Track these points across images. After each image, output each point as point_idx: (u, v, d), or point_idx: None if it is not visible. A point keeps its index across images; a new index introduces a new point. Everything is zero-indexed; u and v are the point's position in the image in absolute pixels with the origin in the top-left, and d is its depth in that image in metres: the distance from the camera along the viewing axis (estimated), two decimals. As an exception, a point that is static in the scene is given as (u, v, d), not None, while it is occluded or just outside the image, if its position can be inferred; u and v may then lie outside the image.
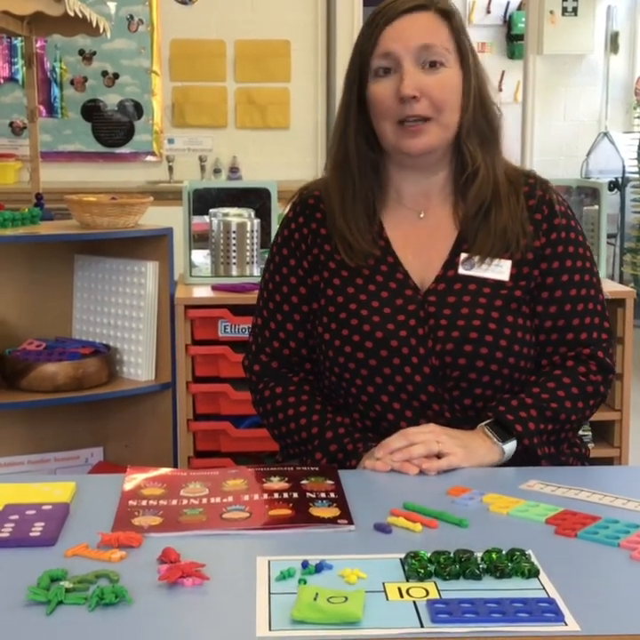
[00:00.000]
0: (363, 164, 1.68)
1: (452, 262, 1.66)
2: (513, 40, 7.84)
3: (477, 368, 1.61)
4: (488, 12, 8.02)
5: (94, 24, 3.39)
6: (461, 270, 1.65)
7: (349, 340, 1.64)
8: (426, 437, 1.52)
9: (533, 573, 1.13)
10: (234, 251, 2.97)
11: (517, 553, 1.15)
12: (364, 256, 1.66)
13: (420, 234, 1.70)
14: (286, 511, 1.32)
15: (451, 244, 1.68)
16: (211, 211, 3.11)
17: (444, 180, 1.71)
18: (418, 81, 1.60)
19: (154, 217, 3.01)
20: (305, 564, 1.14)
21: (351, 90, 1.67)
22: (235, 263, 2.98)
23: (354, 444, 1.61)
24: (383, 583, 1.11)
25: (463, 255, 1.66)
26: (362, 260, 1.66)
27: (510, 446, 1.57)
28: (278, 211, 2.98)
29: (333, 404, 1.70)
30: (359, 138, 1.67)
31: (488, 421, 1.60)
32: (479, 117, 1.67)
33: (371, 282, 1.66)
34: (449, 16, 1.64)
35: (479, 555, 1.15)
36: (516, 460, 1.58)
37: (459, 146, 1.67)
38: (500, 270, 1.65)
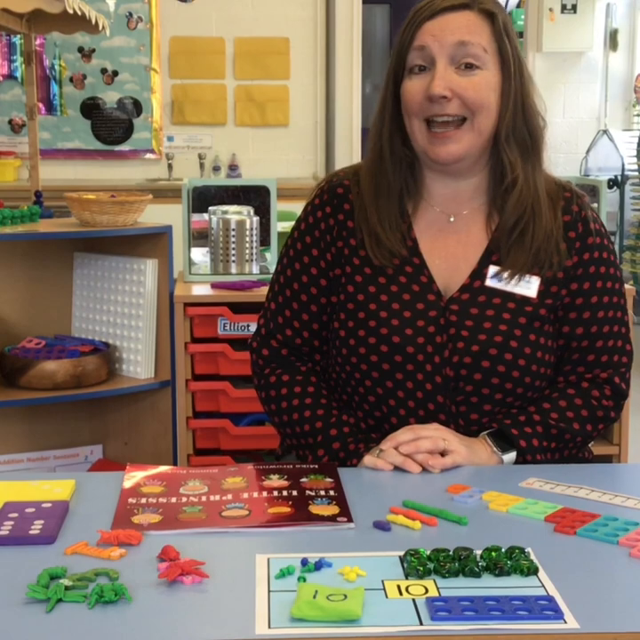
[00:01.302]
0: (397, 161, 1.64)
1: (479, 272, 1.62)
2: (512, 37, 7.83)
3: (491, 384, 1.59)
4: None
5: (93, 21, 3.39)
6: (488, 282, 1.61)
7: (365, 341, 1.61)
8: (432, 433, 1.52)
9: (532, 571, 1.13)
10: (233, 248, 2.97)
11: (517, 551, 1.16)
12: (391, 254, 1.63)
13: (448, 238, 1.66)
14: (286, 509, 1.32)
15: (480, 252, 1.64)
16: (210, 208, 3.11)
17: (476, 186, 1.66)
18: (449, 80, 1.55)
19: (153, 215, 3.01)
20: (304, 562, 1.14)
21: (388, 86, 1.63)
22: (234, 261, 2.98)
23: (356, 444, 1.60)
24: (382, 581, 1.11)
25: (493, 268, 1.62)
26: (387, 259, 1.62)
27: (509, 457, 1.57)
28: (278, 208, 2.98)
29: (338, 400, 1.69)
30: (395, 135, 1.63)
31: (490, 431, 1.60)
32: (520, 124, 1.61)
33: (394, 282, 1.62)
34: (492, 17, 1.59)
35: (478, 552, 1.15)
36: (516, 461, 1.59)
37: (497, 152, 1.62)
38: (528, 287, 1.61)
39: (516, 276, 1.61)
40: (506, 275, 1.61)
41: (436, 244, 1.65)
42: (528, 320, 1.60)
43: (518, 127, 1.61)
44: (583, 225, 1.65)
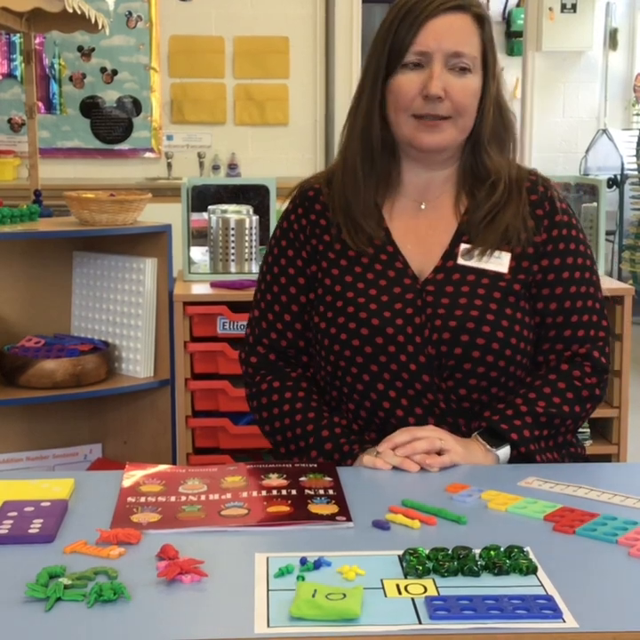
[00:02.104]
0: (383, 147, 1.68)
1: (451, 253, 1.67)
2: (512, 37, 7.82)
3: (473, 358, 1.62)
4: (487, 8, 8.01)
5: (93, 20, 3.39)
6: (460, 261, 1.66)
7: (345, 327, 1.64)
8: (429, 434, 1.54)
9: (531, 570, 1.13)
10: (232, 247, 2.97)
11: (516, 550, 1.16)
12: (368, 240, 1.67)
13: (420, 224, 1.70)
14: (285, 508, 1.32)
15: (451, 234, 1.68)
16: (209, 207, 3.11)
17: (448, 176, 1.72)
18: (445, 82, 1.61)
19: (152, 214, 3.00)
20: (303, 561, 1.14)
21: (378, 75, 1.65)
22: (233, 260, 2.98)
23: (350, 445, 1.61)
24: (381, 580, 1.11)
25: (463, 246, 1.67)
26: (365, 245, 1.67)
27: (504, 452, 1.58)
28: (277, 207, 2.97)
29: (329, 403, 1.70)
30: (382, 121, 1.67)
31: (480, 430, 1.61)
32: (498, 124, 1.68)
33: (369, 270, 1.67)
34: (482, 22, 1.65)
35: (477, 551, 1.15)
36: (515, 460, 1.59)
37: (472, 148, 1.68)
38: (500, 262, 1.65)
39: (487, 253, 1.65)
40: (477, 252, 1.66)
41: (408, 231, 1.70)
42: (502, 295, 1.64)
43: (497, 126, 1.69)
44: (550, 204, 1.70)
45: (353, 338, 1.64)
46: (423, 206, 1.71)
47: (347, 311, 1.64)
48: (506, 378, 1.65)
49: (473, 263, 1.65)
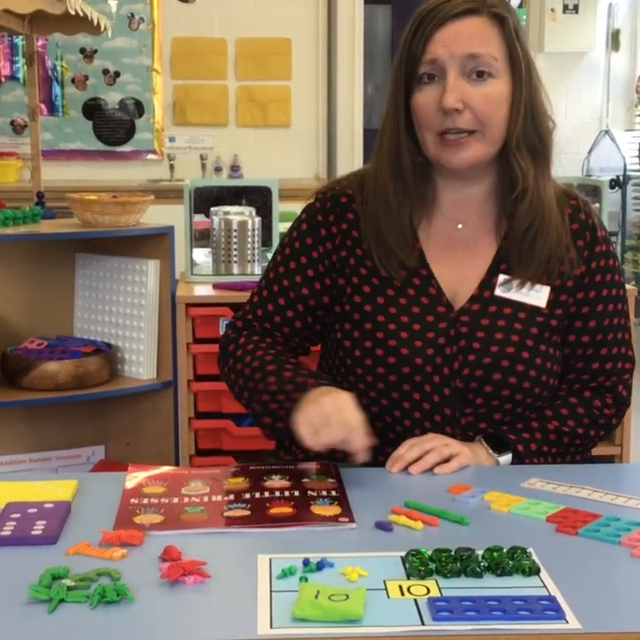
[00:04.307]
0: (415, 169, 1.61)
1: (488, 282, 1.60)
2: (514, 38, 7.82)
3: (502, 396, 1.58)
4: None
5: (95, 22, 3.38)
6: (498, 292, 1.60)
7: (372, 352, 1.59)
8: (435, 443, 1.51)
9: (534, 571, 1.13)
10: (235, 249, 2.97)
11: (518, 551, 1.16)
12: (400, 266, 1.60)
13: (456, 246, 1.63)
14: (287, 509, 1.32)
15: (489, 260, 1.62)
16: (212, 209, 3.11)
17: (486, 191, 1.63)
18: (461, 92, 1.52)
19: (155, 215, 3.00)
20: (306, 562, 1.14)
21: (398, 94, 1.58)
22: (236, 261, 2.97)
23: (306, 377, 1.54)
24: (384, 581, 1.11)
25: (502, 277, 1.60)
26: (396, 271, 1.60)
27: (505, 459, 1.57)
28: (279, 209, 2.98)
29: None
30: (411, 142, 1.59)
31: (483, 435, 1.59)
32: (530, 130, 1.58)
33: (402, 295, 1.60)
34: (502, 21, 1.55)
35: (480, 552, 1.15)
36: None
37: (506, 157, 1.59)
38: (538, 296, 1.59)
39: (526, 285, 1.59)
40: (516, 284, 1.59)
41: (444, 254, 1.63)
42: (539, 330, 1.59)
43: (528, 133, 1.58)
44: (591, 233, 1.64)
45: (378, 365, 1.59)
46: (460, 226, 1.64)
47: (376, 336, 1.59)
48: (529, 411, 1.62)
49: (510, 295, 1.59)
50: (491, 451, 1.56)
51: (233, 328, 1.72)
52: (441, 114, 1.54)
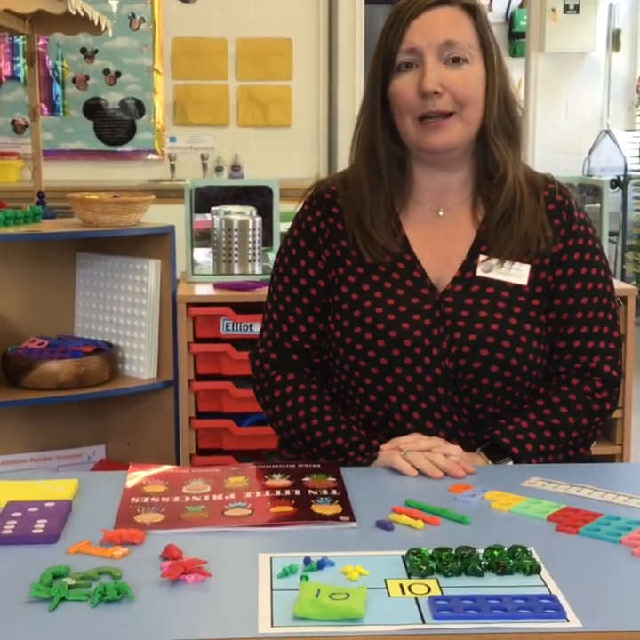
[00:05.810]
0: (389, 159, 1.66)
1: (470, 264, 1.64)
2: (514, 38, 7.83)
3: (491, 373, 1.60)
4: (490, 9, 8.00)
5: (96, 22, 3.39)
6: (479, 272, 1.63)
7: (361, 337, 1.62)
8: (447, 463, 1.50)
9: (535, 570, 1.13)
10: (236, 249, 2.97)
11: (519, 550, 1.16)
12: (384, 251, 1.64)
13: (437, 232, 1.68)
14: (288, 508, 1.32)
15: (469, 244, 1.66)
16: (213, 209, 3.11)
17: (464, 178, 1.69)
18: (439, 76, 1.58)
19: (156, 215, 3.01)
20: (307, 561, 1.14)
21: (375, 85, 1.64)
22: (237, 261, 2.98)
23: (367, 442, 1.59)
24: (385, 580, 1.11)
25: (482, 257, 1.64)
26: (380, 255, 1.64)
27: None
28: (280, 208, 2.98)
29: (341, 405, 1.68)
30: (386, 133, 1.65)
31: (483, 446, 1.60)
32: (503, 115, 1.64)
33: (387, 279, 1.64)
34: (474, 11, 1.62)
35: (481, 551, 1.15)
36: None
37: (483, 144, 1.65)
38: (520, 274, 1.63)
39: (506, 264, 1.63)
40: (495, 262, 1.63)
41: (426, 239, 1.67)
42: (522, 310, 1.62)
43: (502, 118, 1.65)
44: (568, 213, 1.68)
45: (369, 349, 1.62)
46: (441, 213, 1.69)
47: (364, 321, 1.62)
48: (520, 392, 1.63)
49: (492, 275, 1.63)
50: (490, 462, 1.57)
51: (260, 358, 1.73)
52: (420, 98, 1.59)
